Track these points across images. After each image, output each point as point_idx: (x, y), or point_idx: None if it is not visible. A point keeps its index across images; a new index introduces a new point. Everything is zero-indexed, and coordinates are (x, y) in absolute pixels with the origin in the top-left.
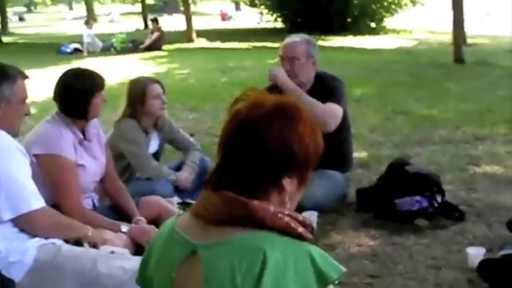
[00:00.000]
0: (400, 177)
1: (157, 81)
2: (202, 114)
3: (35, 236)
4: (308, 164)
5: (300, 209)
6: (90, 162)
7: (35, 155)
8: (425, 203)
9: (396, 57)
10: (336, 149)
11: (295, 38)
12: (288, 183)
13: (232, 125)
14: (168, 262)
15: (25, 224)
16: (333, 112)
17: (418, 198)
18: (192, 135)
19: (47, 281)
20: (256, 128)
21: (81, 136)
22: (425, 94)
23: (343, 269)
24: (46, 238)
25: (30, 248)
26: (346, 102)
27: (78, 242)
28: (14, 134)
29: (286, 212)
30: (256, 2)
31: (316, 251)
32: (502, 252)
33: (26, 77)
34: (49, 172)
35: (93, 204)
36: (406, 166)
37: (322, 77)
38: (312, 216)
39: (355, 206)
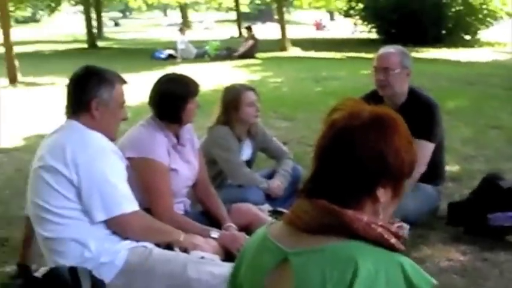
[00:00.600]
0: (493, 192)
1: (251, 89)
2: (295, 123)
3: (126, 238)
4: (403, 175)
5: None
6: (183, 167)
7: (129, 158)
8: None
9: (490, 70)
10: (430, 164)
11: (389, 48)
12: (382, 194)
13: (329, 135)
14: (259, 269)
15: (117, 227)
16: (422, 161)
17: (511, 214)
18: (284, 143)
19: (137, 283)
20: (352, 138)
21: (175, 140)
22: None
23: (434, 281)
24: (137, 241)
25: (122, 249)
26: (442, 125)
27: (169, 246)
28: (111, 138)
29: (380, 223)
30: (351, 12)
31: (407, 262)
32: None
33: (124, 82)
34: (142, 175)
35: (185, 210)
36: (500, 181)
37: (417, 95)
38: (403, 229)
39: (445, 219)
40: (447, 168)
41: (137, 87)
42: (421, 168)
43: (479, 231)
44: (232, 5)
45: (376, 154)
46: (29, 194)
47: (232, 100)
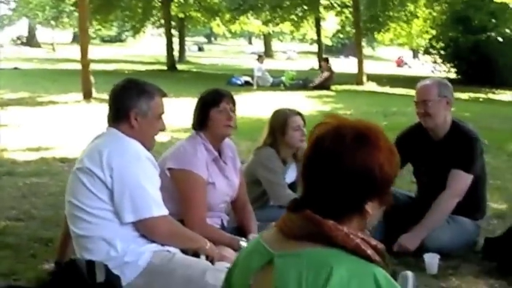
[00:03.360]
0: None
1: (299, 114)
2: None
3: (152, 241)
4: (388, 186)
5: (424, 250)
6: (222, 182)
7: (169, 169)
8: None
9: None
10: (469, 197)
11: (426, 81)
12: (370, 208)
13: (315, 154)
14: (248, 269)
15: (145, 229)
16: (457, 191)
17: None
18: None
19: (157, 283)
20: (339, 159)
21: (216, 154)
22: None
23: None
24: (163, 245)
25: (146, 251)
26: (482, 159)
27: (196, 254)
28: (148, 148)
29: (360, 235)
30: (431, 50)
31: (381, 273)
32: None
33: (164, 94)
34: (179, 186)
35: (222, 224)
36: None
37: (459, 127)
38: (433, 259)
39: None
40: (495, 205)
41: None
42: (455, 197)
43: (510, 266)
44: (315, 37)
45: (362, 172)
46: (67, 194)
47: (279, 123)
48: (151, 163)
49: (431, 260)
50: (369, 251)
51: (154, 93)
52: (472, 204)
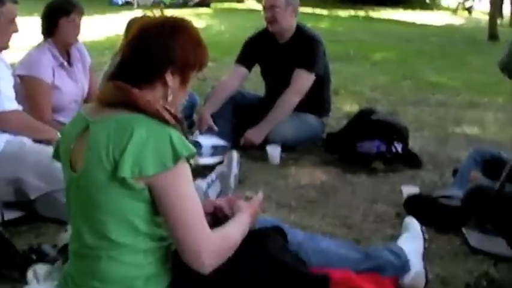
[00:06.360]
0: (364, 124)
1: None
2: (220, 64)
3: (4, 132)
4: (188, 67)
5: (269, 144)
6: (70, 85)
7: (18, 75)
8: (383, 148)
9: (435, 31)
10: (313, 96)
11: None
12: (170, 80)
13: (132, 35)
14: (70, 137)
15: None
16: (299, 89)
17: (377, 143)
18: (204, 80)
19: (9, 169)
20: (148, 35)
21: (62, 60)
22: (443, 64)
23: (194, 150)
24: (15, 135)
25: (0, 141)
26: (325, 60)
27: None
28: (3, 47)
29: (161, 103)
30: None
31: (176, 134)
32: (436, 193)
33: (16, 1)
34: (26, 91)
35: None
36: (372, 115)
37: (303, 31)
38: (275, 150)
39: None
40: (348, 107)
41: (88, 30)
42: (297, 95)
43: (349, 158)
44: None
45: (164, 47)
46: None
47: None
48: (4, 63)
49: (273, 151)
50: (167, 116)
51: (5, 0)
52: (316, 103)
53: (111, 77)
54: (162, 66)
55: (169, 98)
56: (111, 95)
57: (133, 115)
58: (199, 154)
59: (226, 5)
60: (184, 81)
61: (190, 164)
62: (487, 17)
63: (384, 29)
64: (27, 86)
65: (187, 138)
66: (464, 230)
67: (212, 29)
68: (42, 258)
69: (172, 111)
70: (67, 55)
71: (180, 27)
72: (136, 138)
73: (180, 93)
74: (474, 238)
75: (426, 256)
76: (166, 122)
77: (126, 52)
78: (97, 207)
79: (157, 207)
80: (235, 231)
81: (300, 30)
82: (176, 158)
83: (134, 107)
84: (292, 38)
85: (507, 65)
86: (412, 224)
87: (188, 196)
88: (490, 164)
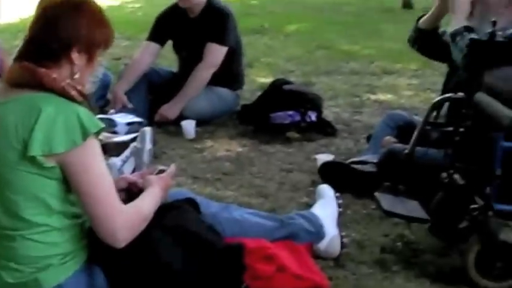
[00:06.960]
0: (276, 95)
1: None
2: (135, 42)
3: None
4: (93, 46)
5: (184, 119)
6: None
7: None
8: (297, 117)
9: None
10: (226, 69)
11: None
12: (76, 57)
13: (38, 14)
14: None
15: None
16: (211, 62)
17: (290, 113)
18: (118, 59)
19: None
20: (50, 13)
21: None
22: (356, 33)
23: (102, 125)
24: None
25: None
26: (236, 33)
27: None
28: None
29: (67, 81)
30: None
31: (83, 111)
32: (350, 159)
33: None
34: None
35: None
36: (284, 85)
37: (213, 5)
38: (190, 124)
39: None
40: (262, 79)
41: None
42: (210, 68)
43: (263, 129)
44: None
45: (69, 25)
46: None
47: None
48: None
49: (188, 125)
50: (74, 93)
51: None
52: (229, 76)
53: (17, 57)
54: (67, 45)
55: (76, 76)
56: (17, 75)
57: (40, 94)
58: (115, 132)
59: None
60: (90, 59)
61: (100, 140)
62: None
63: (298, 0)
64: None
65: (95, 114)
66: (376, 194)
67: (127, 7)
68: None
69: (79, 88)
70: None
71: (82, 5)
72: (44, 116)
73: (87, 71)
74: (387, 202)
75: (341, 221)
76: (73, 99)
77: (30, 32)
78: (9, 186)
79: (69, 184)
80: (147, 204)
81: (210, 3)
82: (85, 134)
83: (41, 86)
84: (202, 12)
85: (412, 39)
86: (326, 190)
87: (98, 170)
88: (404, 129)
